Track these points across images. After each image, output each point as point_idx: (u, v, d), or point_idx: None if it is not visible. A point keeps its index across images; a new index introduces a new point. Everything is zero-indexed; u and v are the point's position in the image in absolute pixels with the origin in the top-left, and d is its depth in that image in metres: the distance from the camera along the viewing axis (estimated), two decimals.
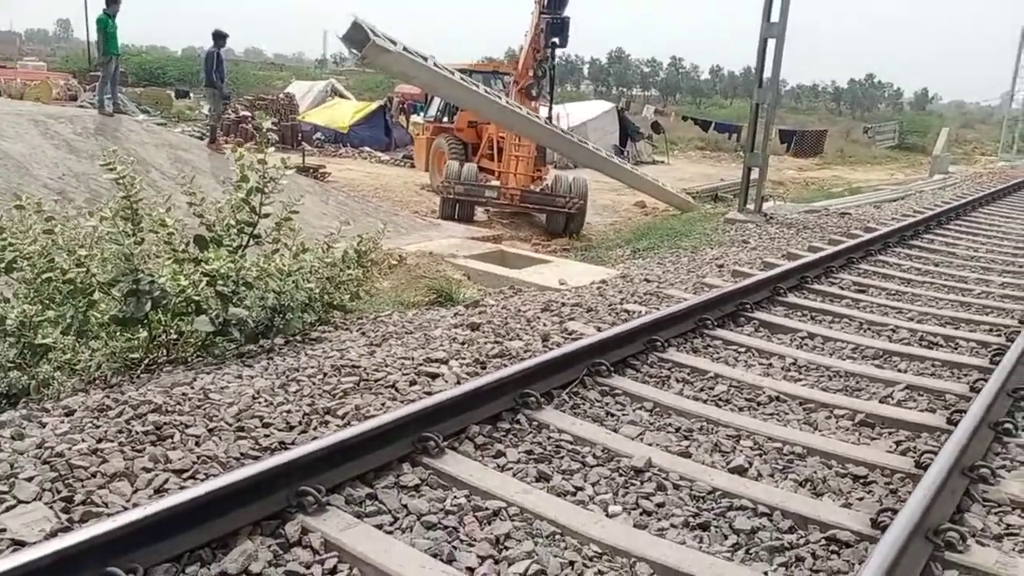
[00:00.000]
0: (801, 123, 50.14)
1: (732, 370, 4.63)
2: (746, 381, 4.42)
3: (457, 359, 4.44)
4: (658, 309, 5.48)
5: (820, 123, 51.92)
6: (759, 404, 4.19)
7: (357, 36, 10.44)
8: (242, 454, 3.19)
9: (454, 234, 12.01)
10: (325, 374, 4.10)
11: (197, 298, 4.48)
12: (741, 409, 4.11)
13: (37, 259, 4.74)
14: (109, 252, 4.33)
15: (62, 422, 3.39)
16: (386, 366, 4.27)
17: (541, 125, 13.66)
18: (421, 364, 4.31)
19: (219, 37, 13.67)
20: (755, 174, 12.26)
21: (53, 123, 11.22)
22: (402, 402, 3.78)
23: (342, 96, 36.14)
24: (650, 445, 3.58)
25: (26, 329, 4.32)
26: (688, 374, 4.53)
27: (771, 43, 11.76)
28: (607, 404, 4.04)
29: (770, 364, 4.81)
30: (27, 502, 2.78)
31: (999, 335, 5.51)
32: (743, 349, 5.03)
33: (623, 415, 3.92)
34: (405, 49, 10.96)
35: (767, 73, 12.03)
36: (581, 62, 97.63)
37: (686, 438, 3.70)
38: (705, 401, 4.17)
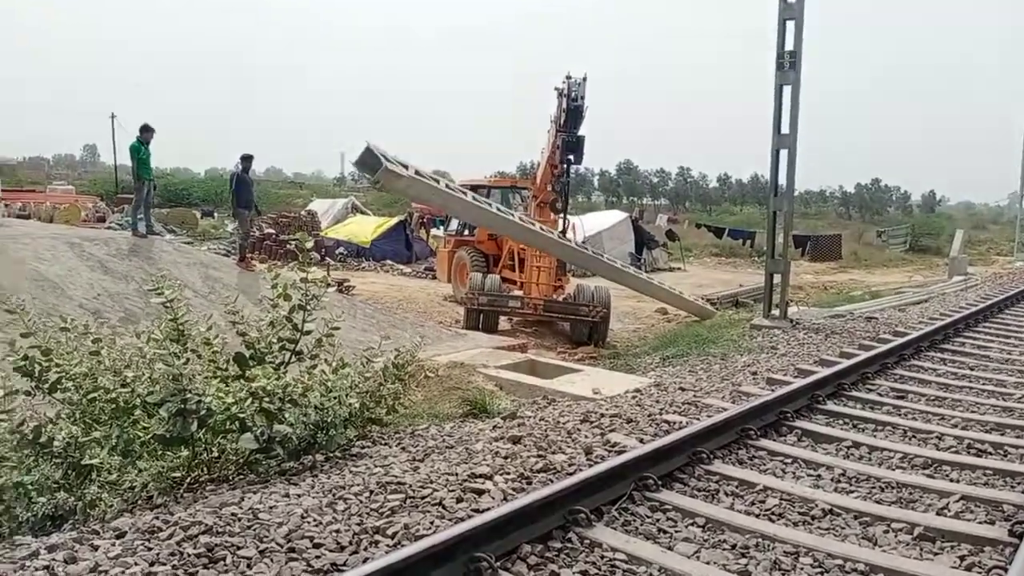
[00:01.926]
0: (813, 228, 50.70)
1: (781, 482, 4.54)
2: (797, 494, 4.33)
3: (501, 474, 4.39)
4: (699, 419, 5.43)
5: (831, 227, 52.49)
6: (813, 518, 4.09)
7: (370, 161, 10.81)
8: None
9: (480, 344, 12.04)
10: (371, 492, 4.06)
11: (242, 415, 4.49)
12: (796, 524, 4.01)
13: (82, 380, 4.80)
14: (158, 373, 4.38)
15: (113, 545, 3.36)
16: (431, 482, 4.23)
17: (554, 239, 13.90)
18: (466, 480, 4.26)
19: (245, 159, 14.19)
20: (777, 279, 12.34)
21: (88, 245, 11.52)
22: (451, 520, 3.72)
23: (362, 212, 37.07)
24: (708, 564, 3.49)
25: (72, 449, 4.33)
26: (737, 487, 4.45)
27: (783, 153, 12.07)
28: (658, 520, 3.96)
29: (819, 475, 4.71)
30: None
31: None
32: (789, 460, 4.95)
33: (676, 532, 3.83)
34: (417, 172, 11.30)
35: (781, 181, 12.29)
36: (592, 174, 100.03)
37: (743, 555, 3.60)
38: (758, 516, 4.07)
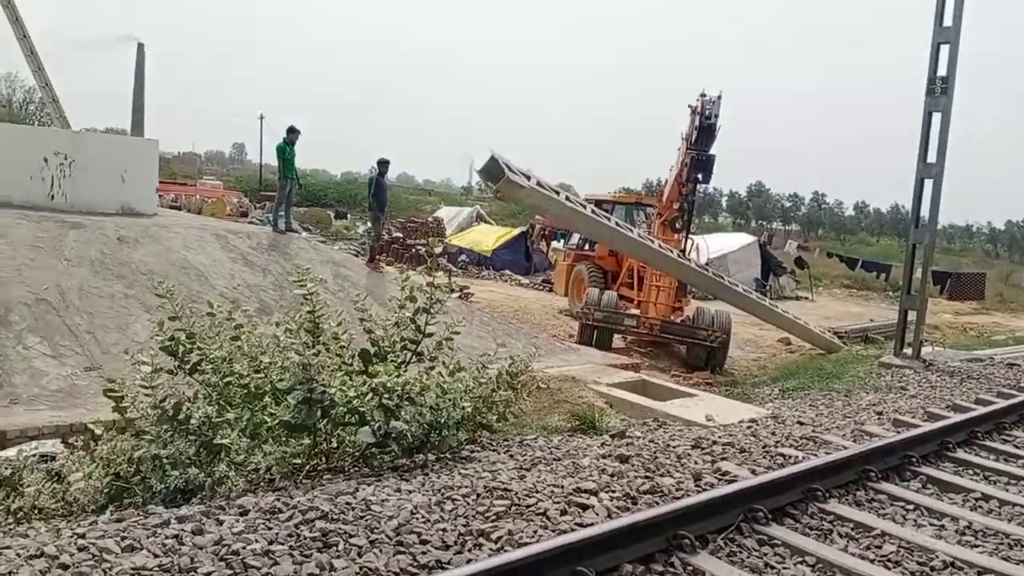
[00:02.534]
0: (955, 264, 47.81)
1: (901, 529, 4.33)
2: (917, 542, 4.12)
3: (607, 491, 4.39)
4: (816, 456, 5.26)
5: (975, 265, 49.31)
6: (932, 569, 3.88)
7: (494, 170, 11.01)
8: (401, 569, 3.26)
9: (593, 359, 12.02)
10: (478, 495, 4.16)
11: (363, 409, 4.69)
12: (912, 573, 3.82)
13: (220, 363, 5.14)
14: (290, 361, 4.64)
15: (237, 521, 3.58)
16: (537, 492, 4.28)
17: (672, 258, 13.67)
18: (571, 493, 4.29)
19: (383, 164, 14.73)
20: (912, 316, 11.73)
21: (232, 237, 12.27)
22: (554, 531, 3.76)
23: (486, 221, 37.72)
24: None
25: (206, 428, 4.64)
26: (852, 529, 4.27)
27: (928, 183, 11.47)
28: (765, 554, 3.86)
29: (942, 525, 4.46)
30: None
31: None
32: (911, 506, 4.71)
33: (783, 568, 3.73)
34: (539, 184, 11.42)
35: (924, 212, 11.69)
36: (720, 194, 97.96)
37: None
38: (872, 561, 3.91)
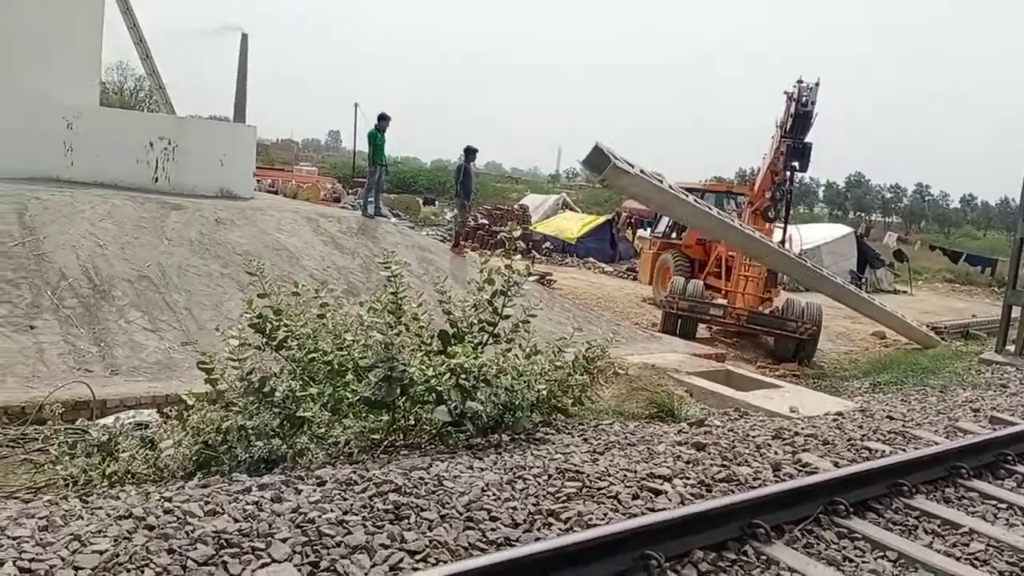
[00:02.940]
0: None
1: (991, 527, 4.14)
2: (1007, 542, 3.94)
3: (681, 478, 4.34)
4: (904, 450, 5.07)
5: None
6: (1023, 570, 3.69)
7: (598, 160, 11.00)
8: (470, 544, 3.31)
9: (676, 348, 11.86)
10: (550, 476, 4.18)
11: (440, 389, 4.78)
12: (1001, 573, 3.65)
13: (305, 340, 5.31)
14: (373, 340, 4.76)
15: (314, 491, 3.71)
16: (609, 475, 4.27)
17: (775, 249, 13.38)
18: (644, 478, 4.26)
19: (470, 152, 14.87)
20: (1016, 312, 11.14)
21: (323, 221, 12.64)
22: (624, 515, 3.75)
23: (572, 209, 37.62)
24: None
25: (290, 402, 4.81)
26: (939, 526, 4.11)
27: None
28: (844, 548, 3.75)
29: None
30: (280, 562, 3.04)
31: None
32: (1004, 505, 4.50)
33: (863, 562, 3.61)
34: (642, 171, 11.33)
35: None
36: (816, 185, 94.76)
37: None
38: (959, 559, 3.75)
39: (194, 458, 4.64)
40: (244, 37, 54.03)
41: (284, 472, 4.32)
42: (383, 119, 14.35)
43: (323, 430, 4.72)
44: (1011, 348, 10.92)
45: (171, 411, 5.41)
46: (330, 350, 5.18)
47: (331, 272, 10.92)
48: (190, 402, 5.07)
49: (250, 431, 4.63)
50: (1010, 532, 4.08)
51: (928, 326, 16.84)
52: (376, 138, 14.27)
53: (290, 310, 5.56)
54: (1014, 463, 5.14)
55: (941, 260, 37.37)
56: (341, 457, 4.70)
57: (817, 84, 13.76)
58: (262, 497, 3.60)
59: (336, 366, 5.14)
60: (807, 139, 13.95)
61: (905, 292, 28.28)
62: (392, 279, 5.18)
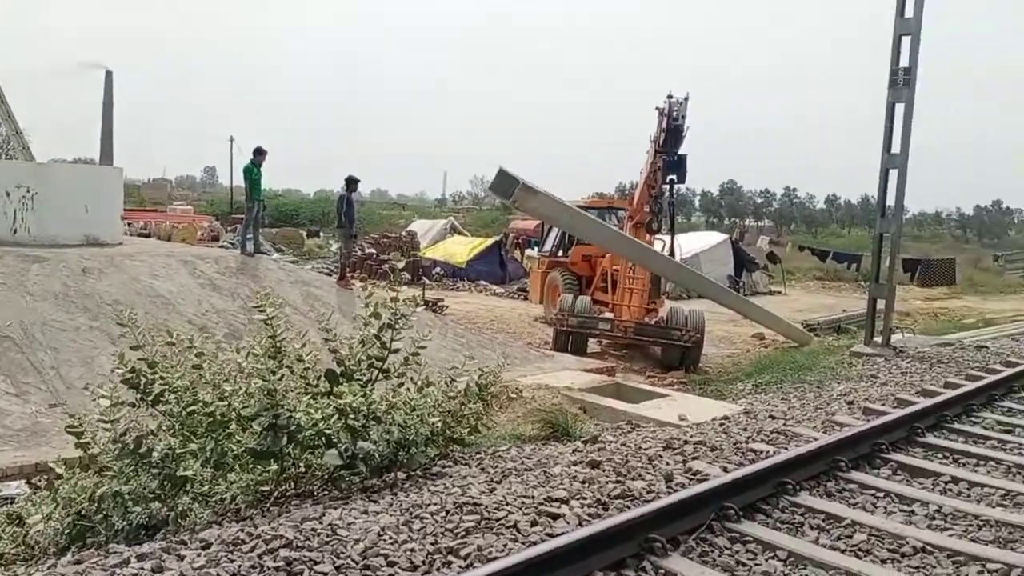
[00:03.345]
0: (925, 251, 48.41)
1: (871, 517, 4.36)
2: (887, 529, 4.15)
3: (578, 499, 4.37)
4: (787, 449, 5.28)
5: (946, 251, 49.94)
6: (903, 555, 3.91)
7: (505, 183, 11.15)
8: None
9: (568, 366, 12.02)
10: (447, 511, 4.12)
11: (329, 432, 4.64)
12: (884, 561, 3.84)
13: (183, 393, 5.06)
14: (254, 387, 4.58)
15: (199, 555, 3.52)
16: (507, 504, 4.25)
17: (673, 262, 14.02)
18: (542, 503, 4.27)
19: (351, 182, 14.68)
20: (881, 305, 11.85)
21: (200, 263, 12.15)
22: (524, 543, 3.73)
23: (460, 233, 37.73)
24: None
25: (169, 461, 4.57)
26: (823, 520, 4.29)
27: (892, 173, 11.61)
28: (737, 552, 3.86)
29: (912, 511, 4.50)
30: None
31: None
32: (881, 494, 4.74)
33: (755, 565, 3.73)
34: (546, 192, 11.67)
35: (890, 202, 11.83)
36: (692, 194, 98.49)
37: None
38: (843, 551, 3.92)
39: (67, 531, 4.34)
40: (108, 75, 51.79)
41: (166, 537, 4.09)
42: (259, 153, 13.99)
43: (206, 488, 4.51)
44: (878, 339, 11.60)
45: (40, 481, 5.05)
46: (210, 401, 4.96)
47: (210, 316, 10.50)
48: (60, 470, 4.74)
49: (127, 496, 4.38)
50: (889, 520, 4.30)
51: (803, 324, 17.73)
52: (252, 173, 13.88)
53: (166, 361, 5.29)
54: (888, 452, 5.44)
55: (810, 259, 39.53)
56: (228, 515, 4.49)
57: (686, 98, 14.34)
58: (141, 568, 3.39)
59: (218, 417, 4.92)
60: (681, 151, 14.50)
61: (780, 292, 29.72)
62: (269, 322, 5.01)
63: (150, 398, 5.06)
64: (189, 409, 4.96)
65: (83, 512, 4.36)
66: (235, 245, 24.15)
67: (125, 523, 4.20)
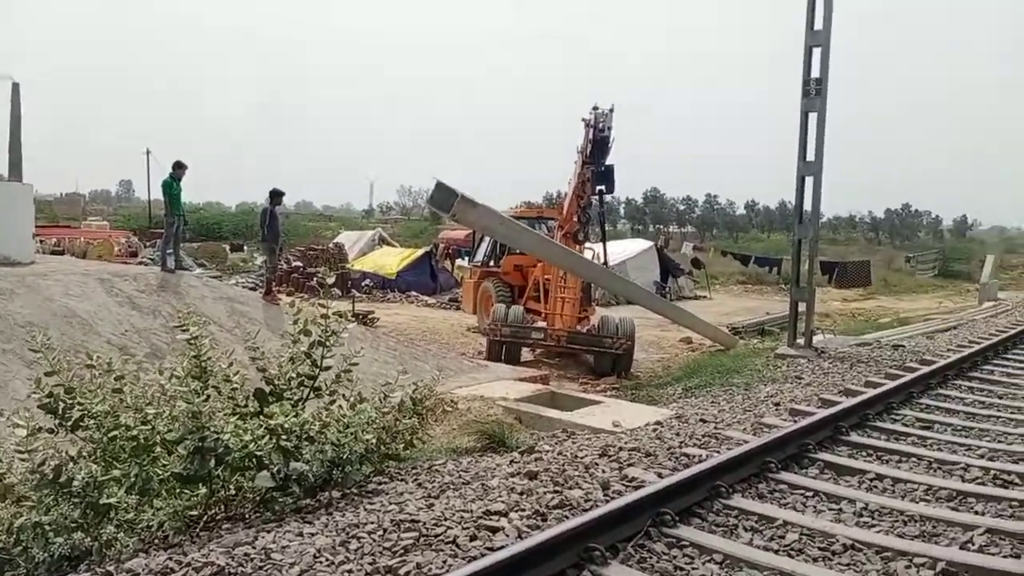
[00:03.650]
0: (841, 254, 50.24)
1: (801, 516, 4.47)
2: (817, 528, 4.26)
3: (517, 511, 4.36)
4: (719, 453, 5.37)
5: (860, 253, 51.95)
6: (834, 554, 4.01)
7: (443, 197, 11.10)
8: None
9: (502, 375, 12.01)
10: (385, 530, 4.06)
11: (259, 453, 4.52)
12: (815, 560, 3.94)
13: (104, 418, 4.86)
14: (179, 410, 4.43)
15: None
16: (445, 520, 4.21)
17: (603, 269, 14.18)
18: (481, 517, 4.24)
19: (275, 195, 14.38)
20: (802, 307, 12.23)
21: (117, 281, 11.70)
22: (464, 559, 3.70)
23: (389, 244, 37.40)
24: None
25: (91, 489, 4.37)
26: (756, 522, 4.38)
27: (808, 180, 12.02)
28: (675, 557, 3.90)
29: (840, 509, 4.63)
30: None
31: None
32: (810, 493, 4.87)
33: (692, 569, 3.78)
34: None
35: (807, 208, 12.23)
36: (617, 202, 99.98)
37: None
38: (777, 551, 4.01)
39: None
40: (15, 86, 49.42)
41: (91, 568, 3.92)
42: (179, 167, 13.58)
43: (132, 515, 4.33)
44: (801, 341, 11.97)
45: None
46: (132, 425, 4.77)
47: (131, 336, 10.13)
48: None
49: (47, 527, 4.18)
50: (819, 519, 4.42)
51: (728, 327, 18.17)
52: (172, 187, 13.47)
53: (84, 385, 5.07)
54: (815, 451, 5.60)
55: (733, 264, 40.63)
56: (155, 543, 4.33)
57: (611, 110, 14.53)
58: None
59: (141, 442, 4.74)
60: (608, 162, 14.68)
61: (705, 297, 30.44)
62: (193, 341, 4.85)
63: (69, 424, 4.84)
64: (111, 434, 4.77)
65: (1, 545, 4.13)
66: (155, 261, 23.40)
67: (46, 555, 4.01)
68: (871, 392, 7.31)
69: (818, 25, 11.76)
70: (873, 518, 4.50)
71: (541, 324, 14.97)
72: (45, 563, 4.05)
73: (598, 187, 14.74)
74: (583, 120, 14.77)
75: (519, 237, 13.26)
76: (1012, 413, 7.13)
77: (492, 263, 19.97)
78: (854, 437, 6.10)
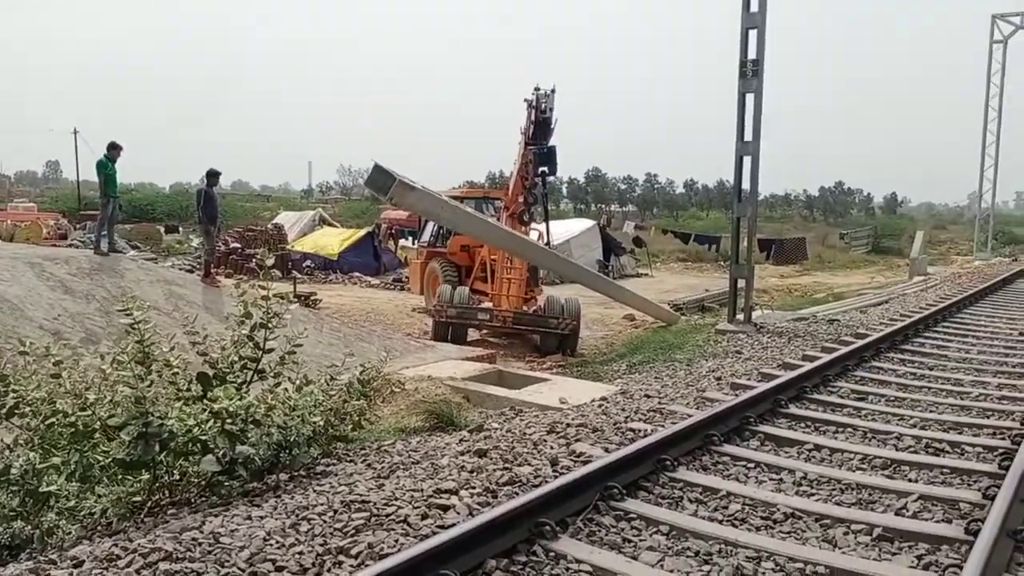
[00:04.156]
0: (778, 231, 51.37)
1: (744, 487, 4.60)
2: (759, 498, 4.39)
3: (467, 488, 4.39)
4: (663, 427, 5.48)
5: (796, 230, 53.21)
6: (775, 522, 4.15)
7: (381, 179, 10.93)
8: None
9: (449, 355, 12.01)
10: (335, 511, 4.04)
11: (204, 437, 4.45)
12: (758, 528, 4.07)
13: (40, 405, 4.72)
14: (121, 395, 4.33)
15: (71, 574, 3.30)
16: (396, 500, 4.21)
17: (546, 251, 14.24)
18: (431, 496, 4.25)
19: (212, 175, 14.08)
20: (741, 284, 12.49)
21: (48, 264, 11.32)
22: (415, 537, 3.71)
23: (329, 224, 36.88)
24: (671, 572, 3.53)
25: (30, 476, 4.26)
26: (700, 493, 4.49)
27: (747, 160, 12.23)
28: (623, 530, 3.98)
29: (781, 479, 4.78)
30: None
31: (1003, 438, 5.52)
32: (752, 464, 5.01)
33: (640, 541, 3.86)
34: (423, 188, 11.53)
35: (745, 186, 12.46)
36: (560, 182, 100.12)
37: (706, 562, 3.64)
38: (721, 521, 4.12)
39: None
40: None
41: (32, 557, 3.82)
42: (113, 148, 13.16)
43: (73, 502, 4.23)
44: (740, 317, 12.24)
45: None
46: (71, 412, 4.65)
47: (64, 321, 9.82)
48: None
49: None
50: (760, 489, 4.56)
51: (670, 304, 18.47)
52: (106, 168, 13.04)
53: (18, 372, 4.92)
54: (756, 424, 5.75)
55: (674, 242, 41.17)
56: (99, 529, 4.24)
57: (553, 91, 14.53)
58: None
59: (80, 428, 4.62)
60: (551, 143, 14.68)
61: (647, 275, 30.85)
62: (135, 327, 4.73)
63: (3, 411, 4.70)
64: (48, 421, 4.64)
65: None
66: (85, 244, 22.68)
67: None
68: (808, 366, 7.53)
69: (754, 7, 11.93)
70: (812, 487, 4.66)
71: (487, 305, 14.99)
72: None
73: (540, 168, 14.74)
74: (526, 100, 14.75)
75: (460, 220, 13.20)
76: (942, 384, 7.42)
77: (439, 243, 19.87)
78: (793, 409, 6.28)
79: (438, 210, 12.54)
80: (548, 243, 15.21)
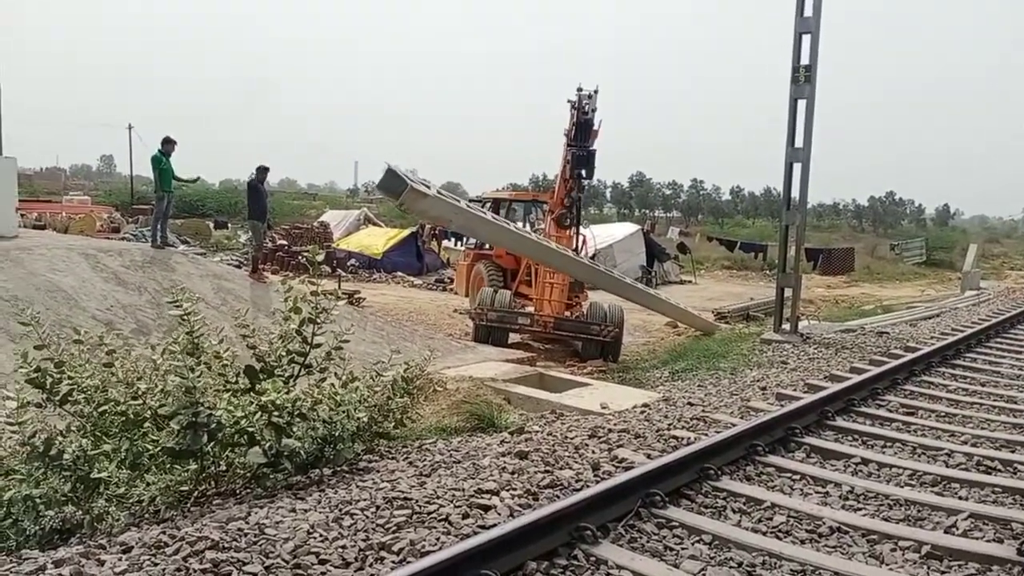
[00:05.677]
0: (825, 241, 50.50)
1: (788, 499, 4.53)
2: (804, 511, 4.31)
3: (508, 490, 4.39)
4: (707, 435, 5.42)
5: (844, 241, 52.24)
6: (820, 536, 4.07)
7: (392, 183, 10.90)
8: None
9: (490, 356, 12.04)
10: (378, 507, 4.07)
11: (251, 429, 4.52)
12: (803, 541, 3.99)
13: (93, 393, 4.84)
14: (172, 385, 4.42)
15: (120, 560, 3.38)
16: (437, 498, 4.23)
17: (569, 257, 13.91)
18: (473, 496, 4.26)
19: (261, 171, 14.29)
20: (788, 293, 12.30)
21: (102, 256, 11.62)
22: (457, 536, 3.72)
23: (374, 224, 37.21)
24: None
25: (81, 463, 4.37)
26: (744, 504, 4.43)
27: (796, 166, 12.05)
28: (664, 537, 3.95)
29: (827, 492, 4.69)
30: None
31: None
32: (797, 476, 4.93)
33: (682, 549, 3.82)
34: (439, 192, 11.39)
35: (795, 194, 12.27)
36: (604, 186, 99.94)
37: (750, 574, 3.59)
38: (764, 533, 4.06)
39: None
40: None
41: (82, 542, 3.92)
42: (168, 143, 13.46)
43: (123, 489, 4.33)
44: (786, 327, 12.06)
45: None
46: (123, 400, 4.76)
47: (116, 312, 10.06)
48: None
49: (38, 500, 4.17)
50: (805, 502, 4.48)
51: (714, 311, 18.27)
52: (161, 163, 13.35)
53: (73, 360, 5.05)
54: (801, 435, 5.66)
55: (719, 249, 40.74)
56: (147, 517, 4.33)
57: (596, 91, 14.34)
58: (59, 575, 3.23)
59: (132, 417, 4.73)
60: (592, 146, 14.51)
61: (690, 281, 30.55)
62: (186, 318, 4.83)
63: (58, 398, 4.82)
64: (100, 409, 4.76)
65: None
66: (138, 237, 23.21)
67: (37, 527, 4.01)
68: (856, 378, 7.39)
69: (808, 12, 11.76)
70: (859, 501, 4.57)
71: (528, 310, 14.93)
72: (36, 536, 4.04)
73: (576, 170, 14.57)
74: (569, 102, 14.63)
75: (475, 226, 12.97)
76: (994, 400, 7.23)
77: (485, 246, 19.89)
78: (840, 422, 6.17)
79: (451, 215, 12.36)
80: (577, 249, 14.99)
